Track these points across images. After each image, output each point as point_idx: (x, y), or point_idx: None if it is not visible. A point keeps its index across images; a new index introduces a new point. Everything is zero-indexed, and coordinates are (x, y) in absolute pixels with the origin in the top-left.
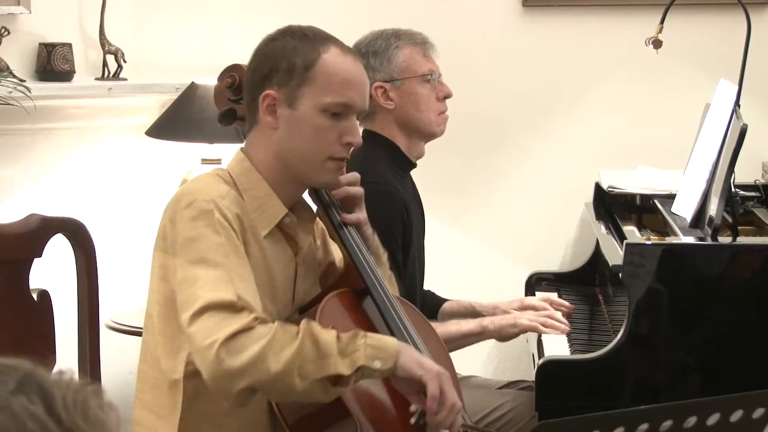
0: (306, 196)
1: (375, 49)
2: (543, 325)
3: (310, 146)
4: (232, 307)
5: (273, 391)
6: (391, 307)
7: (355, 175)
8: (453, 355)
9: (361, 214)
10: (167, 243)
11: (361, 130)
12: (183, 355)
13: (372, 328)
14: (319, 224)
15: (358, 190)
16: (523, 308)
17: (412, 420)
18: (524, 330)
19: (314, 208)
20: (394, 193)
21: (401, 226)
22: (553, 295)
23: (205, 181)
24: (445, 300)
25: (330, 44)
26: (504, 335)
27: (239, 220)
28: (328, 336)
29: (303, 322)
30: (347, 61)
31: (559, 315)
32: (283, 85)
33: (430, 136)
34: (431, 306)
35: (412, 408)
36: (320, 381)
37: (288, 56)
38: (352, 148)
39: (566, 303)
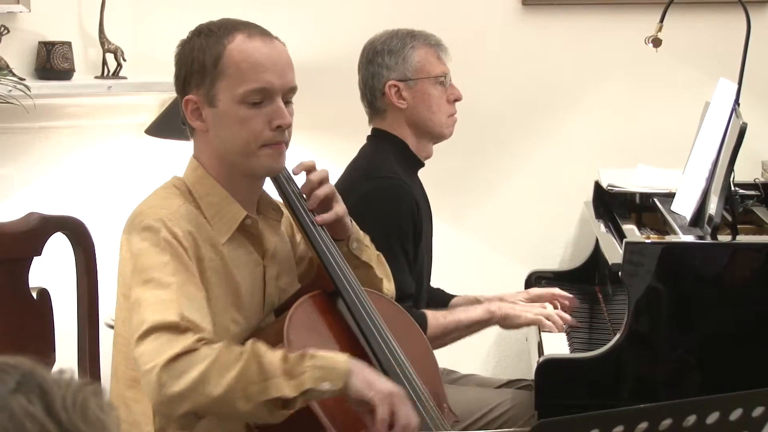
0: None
1: (390, 48)
2: (547, 318)
3: (239, 139)
4: (175, 328)
5: (217, 413)
6: (363, 309)
7: (323, 172)
8: (452, 354)
9: (338, 208)
10: (124, 268)
11: (371, 128)
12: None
13: (345, 330)
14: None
15: (329, 188)
16: (530, 299)
17: None
18: (528, 322)
19: (281, 206)
20: (405, 189)
21: (411, 222)
22: (555, 289)
23: (159, 197)
24: (452, 296)
25: (235, 33)
26: (508, 324)
27: (191, 237)
28: (273, 357)
29: (248, 343)
30: (254, 45)
31: (563, 314)
32: (200, 86)
33: (439, 137)
34: (440, 303)
35: None
36: (264, 403)
37: (197, 56)
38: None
39: (569, 296)
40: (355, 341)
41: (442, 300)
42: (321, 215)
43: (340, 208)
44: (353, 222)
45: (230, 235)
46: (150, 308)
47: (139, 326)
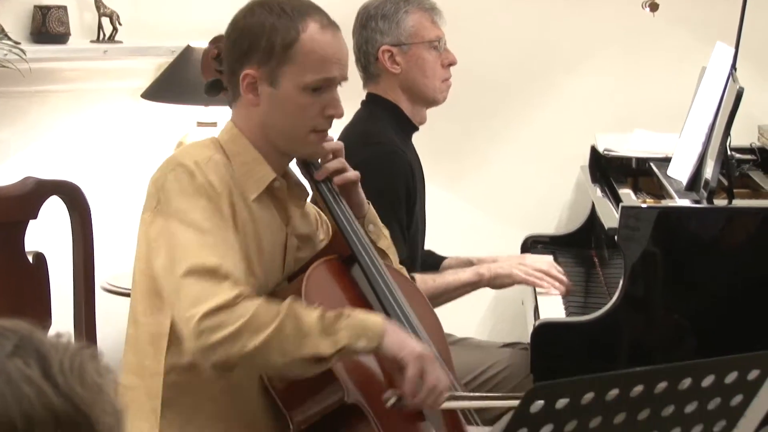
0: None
1: (384, 13)
2: (541, 279)
3: (293, 123)
4: (215, 275)
5: (251, 365)
6: (378, 275)
7: (339, 144)
8: (448, 317)
9: (351, 173)
10: (152, 205)
11: (365, 93)
12: (166, 313)
13: (359, 295)
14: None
15: (340, 161)
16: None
17: (388, 404)
18: (518, 281)
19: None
20: (400, 155)
21: (405, 188)
22: (549, 259)
23: (193, 147)
24: (444, 258)
25: (308, 19)
26: (498, 284)
27: (225, 184)
28: (310, 316)
29: (287, 301)
30: (326, 37)
31: (556, 274)
32: (263, 64)
33: (433, 102)
34: (432, 264)
35: (388, 393)
36: (300, 359)
37: (267, 34)
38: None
39: (563, 278)
40: (369, 306)
41: (433, 262)
42: (341, 175)
43: (354, 175)
44: (371, 206)
45: (258, 194)
46: (189, 248)
47: (176, 265)
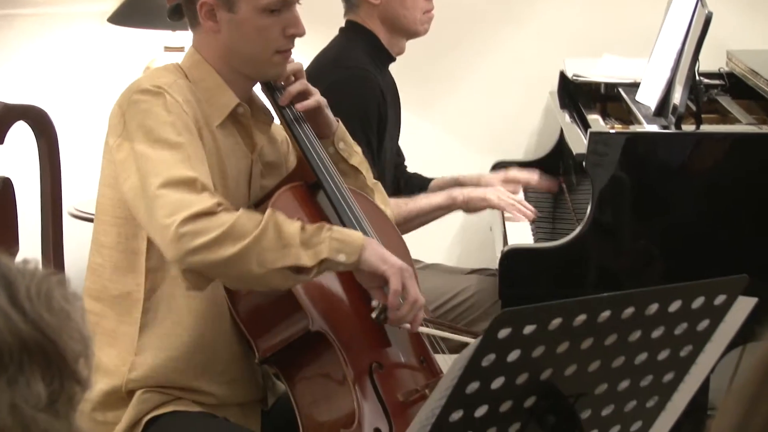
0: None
1: None
2: (510, 207)
3: (255, 46)
4: (193, 185)
5: (228, 274)
6: (343, 200)
7: (298, 65)
8: (416, 243)
9: (318, 98)
10: (118, 131)
11: (345, 21)
12: (139, 238)
13: (325, 221)
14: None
15: (302, 83)
16: (507, 180)
17: (373, 314)
18: (491, 206)
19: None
20: (371, 79)
21: (377, 111)
22: (535, 175)
23: (156, 72)
24: (431, 179)
25: None
26: (472, 207)
27: (191, 108)
28: (292, 226)
29: (268, 211)
30: None
31: (527, 204)
32: None
33: (414, 34)
34: (419, 186)
35: (374, 303)
36: (279, 270)
37: None
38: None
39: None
40: None
41: (420, 183)
42: (302, 102)
43: (319, 98)
44: (341, 123)
45: (222, 121)
46: (161, 164)
47: (151, 179)
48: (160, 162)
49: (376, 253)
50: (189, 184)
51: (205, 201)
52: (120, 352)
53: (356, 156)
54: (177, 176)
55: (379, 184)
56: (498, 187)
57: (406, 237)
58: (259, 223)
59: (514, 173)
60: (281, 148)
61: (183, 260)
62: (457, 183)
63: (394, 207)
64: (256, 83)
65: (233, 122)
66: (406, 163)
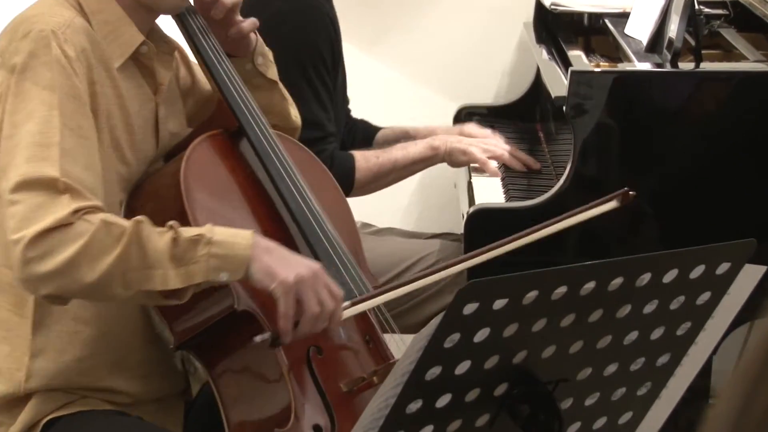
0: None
1: None
2: (498, 158)
3: None
4: (51, 187)
5: (90, 298)
6: (271, 149)
7: None
8: (367, 205)
9: (245, 25)
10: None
11: None
12: None
13: (250, 177)
14: (187, 56)
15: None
16: (463, 136)
17: (257, 338)
18: (474, 160)
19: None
20: (319, 8)
21: (329, 44)
22: (487, 133)
23: (46, 4)
24: (378, 128)
25: None
26: (454, 160)
27: (85, 57)
28: (159, 241)
29: (132, 222)
30: None
31: (520, 154)
32: None
33: None
34: (365, 136)
35: (257, 338)
36: (147, 292)
37: None
38: None
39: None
40: (261, 189)
41: (366, 134)
42: (237, 26)
43: (245, 24)
44: (258, 34)
45: (124, 61)
46: (25, 152)
47: (12, 173)
48: (24, 147)
49: (264, 267)
50: (48, 185)
51: (62, 208)
52: (13, 350)
53: (273, 66)
54: (36, 175)
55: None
56: (486, 138)
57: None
58: (121, 236)
59: (471, 128)
60: (191, 82)
61: (35, 289)
62: (410, 137)
63: (361, 161)
64: (158, 15)
65: (135, 62)
66: (351, 107)
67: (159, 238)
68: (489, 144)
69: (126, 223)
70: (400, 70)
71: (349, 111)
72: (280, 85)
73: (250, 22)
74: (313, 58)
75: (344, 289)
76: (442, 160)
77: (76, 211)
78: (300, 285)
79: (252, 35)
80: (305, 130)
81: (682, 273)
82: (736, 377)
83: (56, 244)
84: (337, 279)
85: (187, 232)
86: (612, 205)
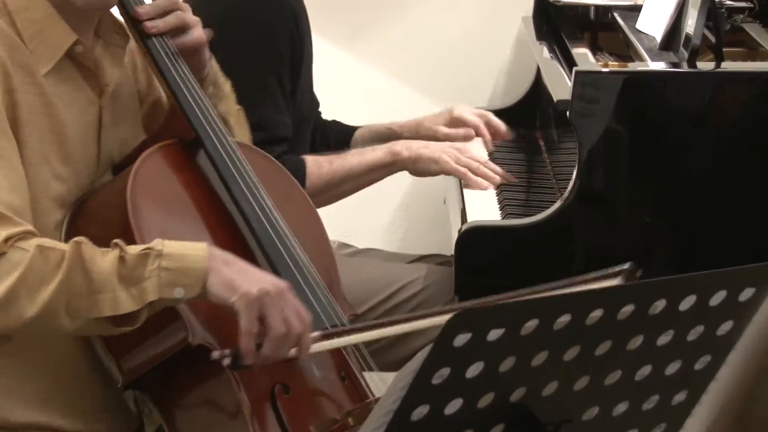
0: None
1: None
2: (474, 172)
3: None
4: None
5: (36, 332)
6: (230, 162)
7: None
8: (344, 222)
9: (198, 32)
10: None
11: None
12: None
13: (207, 194)
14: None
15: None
16: (453, 122)
17: (225, 362)
18: (446, 171)
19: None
20: (280, 1)
21: (288, 41)
22: (481, 141)
23: None
24: (355, 128)
25: None
26: (420, 169)
27: (1, 65)
28: (104, 262)
29: (71, 244)
30: None
31: (495, 167)
32: None
33: None
34: (339, 138)
35: (215, 354)
36: (95, 320)
37: None
38: None
39: (501, 124)
40: (220, 206)
41: (340, 134)
42: (180, 38)
43: (199, 32)
44: (213, 60)
45: (54, 65)
46: None
47: None
48: None
49: (224, 280)
50: None
51: None
52: None
53: (226, 99)
54: None
55: (242, 112)
56: (456, 144)
57: (325, 210)
58: (61, 260)
59: (461, 111)
60: (130, 74)
61: None
62: (392, 134)
63: (312, 167)
64: (97, 15)
65: (72, 63)
66: (320, 109)
67: (103, 258)
68: (463, 152)
69: (64, 247)
70: (383, 70)
71: (319, 114)
72: (233, 124)
73: (197, 35)
74: (269, 56)
75: (313, 317)
76: (404, 168)
77: (6, 239)
78: (264, 299)
79: (206, 57)
80: (252, 132)
81: (700, 299)
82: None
83: None
84: (304, 305)
85: (134, 249)
86: (613, 282)
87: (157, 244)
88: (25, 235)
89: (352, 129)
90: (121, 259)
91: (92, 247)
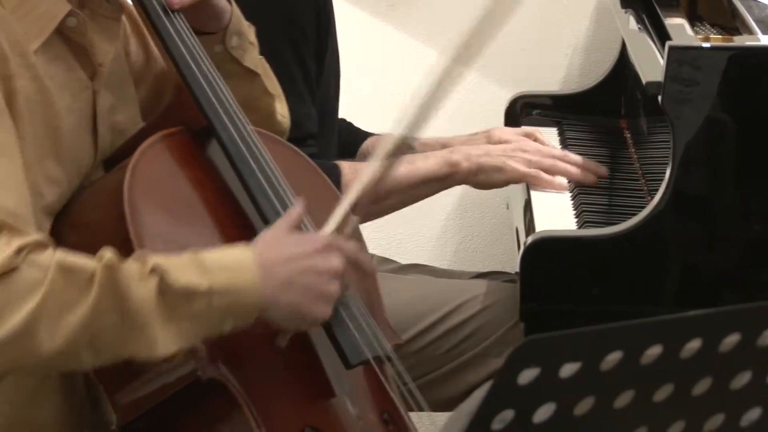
0: None
1: None
2: (549, 170)
3: None
4: None
5: (50, 370)
6: (251, 155)
7: None
8: (385, 234)
9: None
10: None
11: None
12: None
13: (223, 192)
14: (140, 22)
15: None
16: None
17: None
18: (515, 179)
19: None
20: None
21: (313, 16)
22: (552, 132)
23: None
24: (367, 135)
25: None
26: (483, 180)
27: None
28: (143, 290)
29: (99, 266)
30: None
31: (585, 161)
32: None
33: None
34: (347, 142)
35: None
36: (125, 359)
37: None
38: None
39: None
40: (237, 209)
41: (348, 139)
42: None
43: None
44: (234, 5)
45: (44, 40)
46: None
47: None
48: None
49: (287, 308)
50: None
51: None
52: None
53: (252, 50)
54: None
55: (265, 61)
56: (521, 143)
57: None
58: (90, 280)
59: (503, 132)
60: (155, 59)
61: None
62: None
63: (351, 177)
64: None
65: (62, 40)
66: (354, 98)
67: (140, 285)
68: (530, 150)
69: (91, 265)
70: (433, 44)
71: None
72: (263, 75)
73: None
74: (292, 35)
75: (354, 347)
76: (464, 181)
77: (19, 251)
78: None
79: (225, 2)
80: None
81: None
82: None
83: (1, 302)
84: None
85: (177, 275)
86: None
87: (204, 275)
88: (37, 247)
89: (364, 135)
90: (160, 289)
91: (126, 269)
